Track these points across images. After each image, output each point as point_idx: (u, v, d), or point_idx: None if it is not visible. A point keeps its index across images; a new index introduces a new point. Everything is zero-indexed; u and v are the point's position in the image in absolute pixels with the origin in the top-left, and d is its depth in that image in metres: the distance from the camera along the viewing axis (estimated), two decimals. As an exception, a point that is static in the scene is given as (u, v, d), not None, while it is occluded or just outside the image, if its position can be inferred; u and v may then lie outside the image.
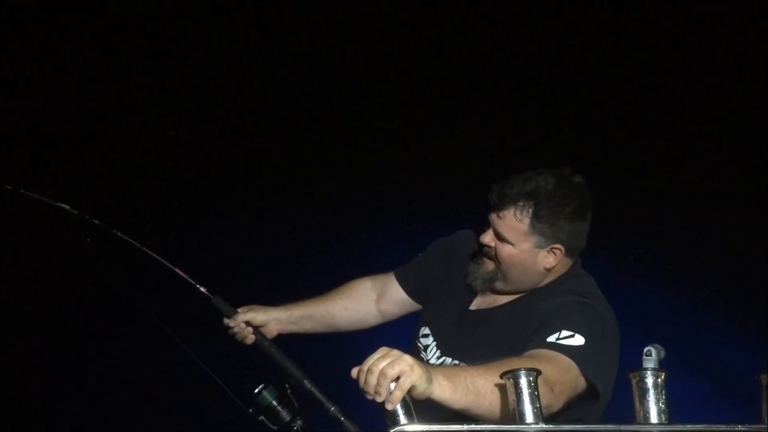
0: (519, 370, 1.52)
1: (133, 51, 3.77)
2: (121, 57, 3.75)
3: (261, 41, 3.86)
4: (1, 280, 3.56)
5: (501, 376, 1.55)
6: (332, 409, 2.02)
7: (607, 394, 1.91)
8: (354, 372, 1.61)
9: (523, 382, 1.51)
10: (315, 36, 3.84)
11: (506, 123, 3.79)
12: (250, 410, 2.17)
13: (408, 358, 1.59)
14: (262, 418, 2.17)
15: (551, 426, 1.49)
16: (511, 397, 1.52)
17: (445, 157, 3.88)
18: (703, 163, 3.74)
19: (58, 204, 2.26)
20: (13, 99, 3.64)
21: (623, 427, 1.50)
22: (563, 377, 1.78)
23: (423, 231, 2.65)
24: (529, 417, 1.49)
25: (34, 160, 3.48)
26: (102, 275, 2.24)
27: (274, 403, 2.16)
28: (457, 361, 2.08)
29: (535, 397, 1.50)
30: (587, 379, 1.85)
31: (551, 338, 1.86)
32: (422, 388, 1.59)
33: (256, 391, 2.16)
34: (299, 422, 2.17)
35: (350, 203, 3.82)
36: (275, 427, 2.18)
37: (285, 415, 2.16)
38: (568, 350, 1.84)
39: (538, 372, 1.53)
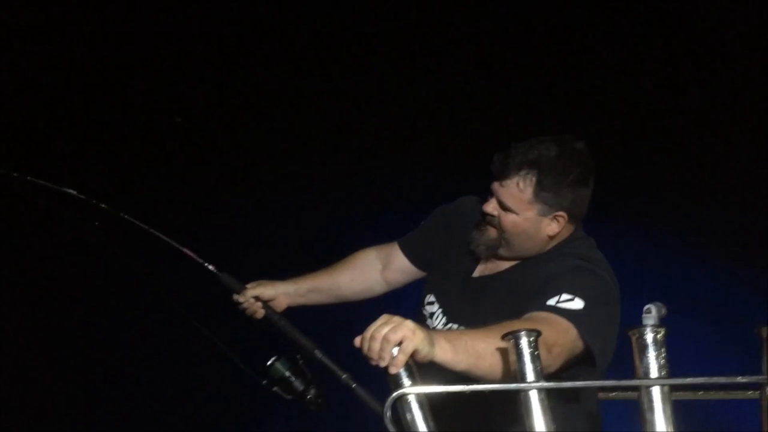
0: (520, 331, 1.56)
1: (140, 33, 3.77)
2: (126, 40, 3.76)
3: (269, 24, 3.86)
4: (10, 267, 3.60)
5: (502, 338, 1.59)
6: (344, 377, 2.06)
7: (605, 359, 1.92)
8: (357, 340, 1.66)
9: (524, 342, 1.55)
10: (321, 13, 3.82)
11: (506, 88, 3.76)
12: (264, 382, 2.23)
13: (410, 323, 1.63)
14: (276, 389, 2.23)
15: (551, 383, 1.53)
16: (512, 357, 1.56)
17: (446, 124, 3.86)
18: (700, 107, 3.69)
19: (65, 189, 2.30)
20: (17, 86, 3.66)
21: (623, 382, 1.53)
22: (561, 339, 1.80)
23: (425, 199, 2.67)
24: (530, 376, 1.53)
25: (38, 147, 3.51)
26: (112, 258, 2.29)
27: (287, 374, 2.21)
28: (463, 328, 2.10)
29: (535, 357, 1.54)
30: (585, 343, 1.87)
31: (551, 301, 1.88)
32: (425, 352, 1.63)
33: (268, 363, 2.22)
34: (313, 391, 2.23)
35: (350, 174, 3.82)
36: (289, 397, 2.24)
37: (298, 385, 2.22)
38: (567, 313, 1.86)
39: (539, 333, 1.57)
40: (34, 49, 3.71)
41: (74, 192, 2.29)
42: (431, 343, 1.64)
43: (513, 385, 1.54)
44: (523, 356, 1.54)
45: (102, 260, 2.39)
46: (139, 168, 3.72)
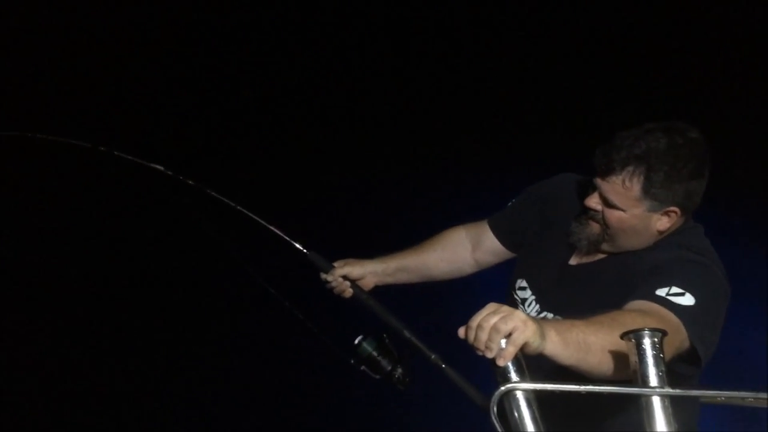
0: (642, 330, 1.48)
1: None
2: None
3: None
4: (98, 240, 3.63)
5: (621, 337, 1.51)
6: (433, 357, 2.02)
7: (707, 360, 1.83)
8: (461, 331, 1.57)
9: (647, 343, 1.46)
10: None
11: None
12: (352, 361, 2.21)
13: (520, 314, 1.54)
14: (363, 368, 2.21)
15: (678, 390, 1.45)
16: (633, 358, 1.48)
17: (538, 98, 3.73)
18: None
19: (153, 165, 2.26)
20: (109, 65, 3.67)
21: (761, 395, 1.43)
22: (670, 337, 1.65)
23: (516, 176, 2.58)
24: (653, 380, 1.45)
25: (125, 122, 3.51)
26: (199, 235, 2.26)
27: (374, 353, 2.19)
28: (558, 317, 2.00)
29: (659, 360, 1.46)
30: (692, 344, 1.78)
31: (660, 291, 1.78)
32: (536, 345, 1.54)
33: (356, 342, 2.19)
34: (400, 370, 2.20)
35: (437, 151, 3.73)
36: (377, 376, 2.21)
37: (386, 364, 2.19)
38: (678, 309, 1.75)
39: (664, 333, 1.48)
40: (133, 36, 3.72)
41: (162, 168, 2.25)
42: (542, 336, 1.55)
43: (635, 389, 1.47)
44: (646, 358, 1.46)
45: (189, 237, 2.36)
46: (225, 146, 3.70)
